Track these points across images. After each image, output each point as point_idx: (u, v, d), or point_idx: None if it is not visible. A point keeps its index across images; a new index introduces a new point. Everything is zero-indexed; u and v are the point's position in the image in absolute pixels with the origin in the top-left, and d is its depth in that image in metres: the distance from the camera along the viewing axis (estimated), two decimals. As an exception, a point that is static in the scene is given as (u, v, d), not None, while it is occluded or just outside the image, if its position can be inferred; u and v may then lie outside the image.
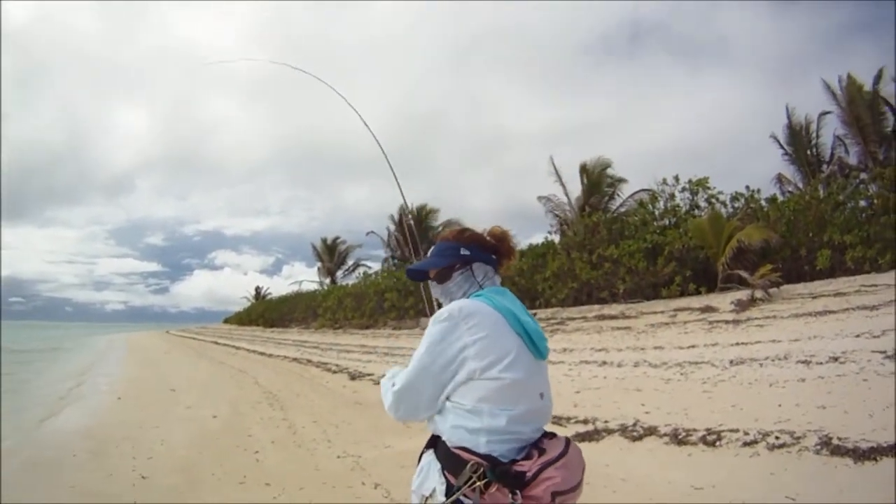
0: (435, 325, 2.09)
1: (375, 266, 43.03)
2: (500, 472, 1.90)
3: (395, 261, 38.92)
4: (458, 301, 2.17)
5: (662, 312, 15.19)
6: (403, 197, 3.54)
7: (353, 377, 14.35)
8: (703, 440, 6.29)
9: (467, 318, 2.04)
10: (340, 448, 7.43)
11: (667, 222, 19.99)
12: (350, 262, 47.87)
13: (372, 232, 42.22)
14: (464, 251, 2.29)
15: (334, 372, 16.08)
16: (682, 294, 16.45)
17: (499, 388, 1.98)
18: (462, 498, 1.91)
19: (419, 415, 2.15)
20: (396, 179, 3.49)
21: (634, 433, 6.92)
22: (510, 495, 1.87)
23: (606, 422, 7.53)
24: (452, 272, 2.29)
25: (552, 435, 2.10)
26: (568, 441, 2.07)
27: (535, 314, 2.44)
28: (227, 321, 72.74)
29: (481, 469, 1.90)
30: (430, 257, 2.38)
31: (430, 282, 2.40)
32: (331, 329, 32.79)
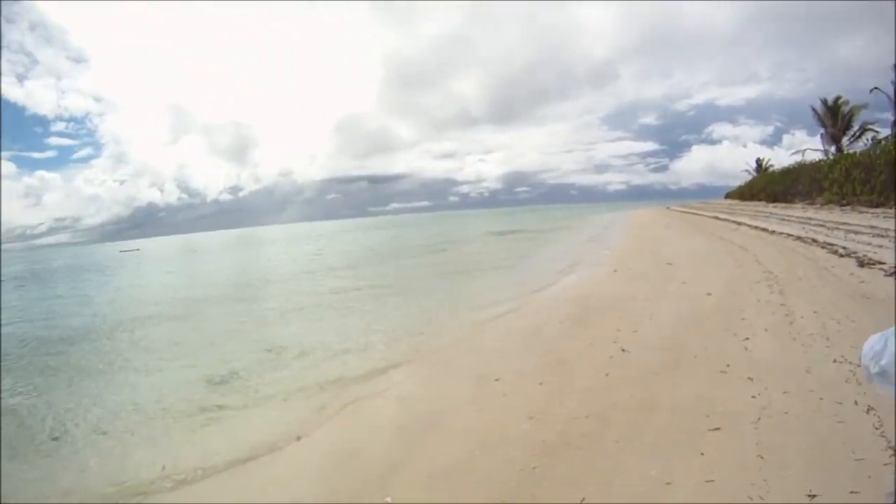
0: None
1: (884, 131, 36.90)
2: None
3: None
4: None
5: None
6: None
7: (861, 264, 12.64)
8: None
9: None
10: (839, 350, 6.53)
11: None
12: (855, 127, 41.35)
13: (876, 88, 35.71)
14: None
15: (841, 256, 14.24)
16: None
17: None
18: None
19: None
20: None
21: None
22: None
23: None
24: None
25: None
26: None
27: None
28: (728, 196, 71.86)
29: None
30: None
31: None
32: (837, 205, 29.59)
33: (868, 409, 4.85)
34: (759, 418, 4.95)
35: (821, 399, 5.22)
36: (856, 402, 5.03)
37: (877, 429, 4.48)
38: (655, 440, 4.79)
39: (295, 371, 8.93)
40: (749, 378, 5.89)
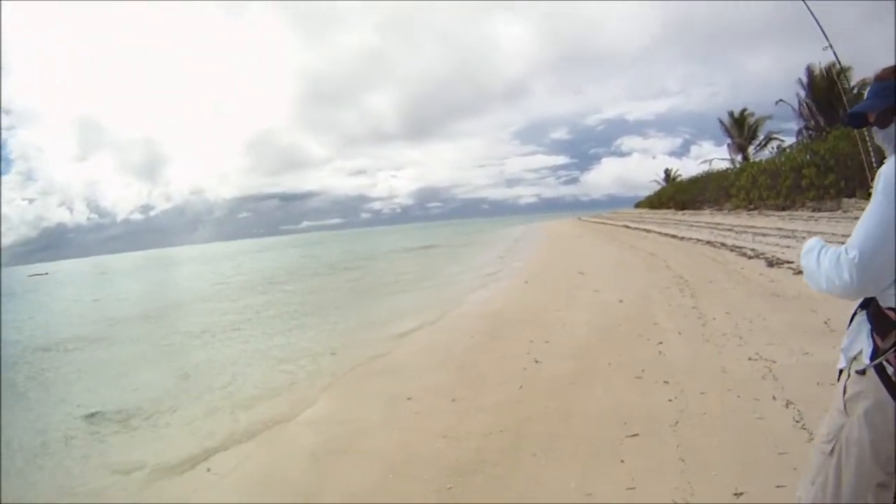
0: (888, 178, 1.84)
1: (789, 140, 38.81)
2: None
3: (810, 132, 34.34)
4: None
5: None
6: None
7: (770, 264, 12.98)
8: None
9: None
10: (753, 348, 6.53)
11: None
12: (761, 137, 43.66)
13: (781, 100, 37.57)
14: None
15: (750, 257, 14.73)
16: None
17: None
18: (885, 363, 1.83)
19: (883, 284, 1.88)
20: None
21: None
22: None
23: None
24: (894, 115, 2.00)
25: None
26: None
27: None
28: (638, 205, 74.31)
29: None
30: (867, 99, 2.13)
31: (872, 129, 2.12)
32: (744, 210, 30.78)
33: (787, 404, 4.78)
34: (677, 421, 4.80)
35: (738, 397, 5.12)
36: (774, 398, 4.97)
37: (797, 422, 4.42)
38: (573, 451, 4.58)
39: (199, 397, 8.41)
40: (665, 382, 5.77)
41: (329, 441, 5.72)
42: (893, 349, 1.81)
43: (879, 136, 2.08)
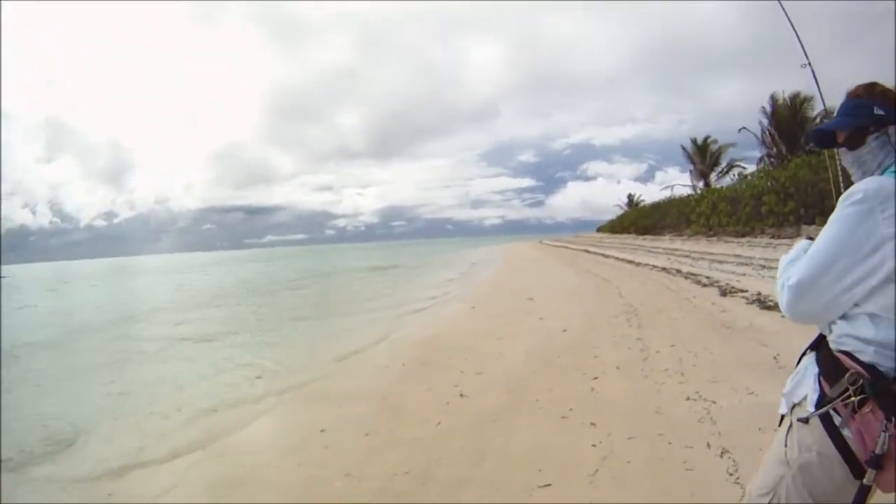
0: (846, 206, 1.71)
1: (751, 167, 39.53)
2: (879, 388, 1.59)
3: (772, 159, 35.01)
4: (874, 179, 1.75)
5: None
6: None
7: (723, 293, 12.73)
8: None
9: (884, 203, 1.64)
10: (693, 386, 6.07)
11: None
12: (723, 164, 44.40)
13: (744, 128, 38.26)
14: (878, 110, 1.84)
15: (704, 285, 14.57)
16: None
17: None
18: (832, 413, 1.68)
19: (821, 316, 1.79)
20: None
21: None
22: (884, 422, 1.56)
23: None
24: (866, 136, 1.86)
25: None
26: None
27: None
28: (599, 229, 75.10)
29: (860, 382, 1.62)
30: (836, 117, 1.95)
31: (839, 150, 1.98)
32: (704, 236, 30.92)
33: (723, 453, 4.31)
34: (596, 470, 4.28)
35: (669, 444, 4.62)
36: (708, 445, 4.50)
37: (731, 474, 3.94)
38: (478, 500, 4.10)
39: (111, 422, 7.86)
40: (592, 423, 5.25)
41: (231, 470, 5.37)
42: (842, 398, 1.65)
43: (848, 159, 1.95)
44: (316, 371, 9.41)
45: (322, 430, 6.05)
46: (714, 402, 5.51)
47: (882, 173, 1.79)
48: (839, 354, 1.71)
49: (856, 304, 1.70)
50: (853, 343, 1.69)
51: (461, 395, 6.61)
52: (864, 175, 1.85)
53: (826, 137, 2.01)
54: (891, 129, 1.83)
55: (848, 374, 1.65)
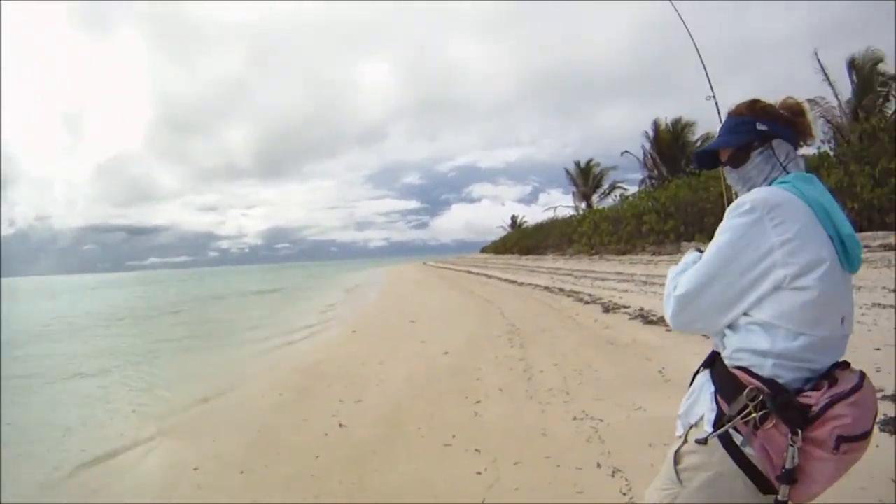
0: (734, 217, 1.69)
1: (632, 189, 41.81)
2: (781, 402, 1.55)
3: (653, 181, 37.08)
4: (760, 189, 1.74)
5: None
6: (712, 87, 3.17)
7: (606, 309, 12.98)
8: None
9: (773, 211, 1.64)
10: (579, 405, 5.99)
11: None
12: (606, 186, 46.67)
13: (627, 151, 40.91)
14: (760, 126, 1.86)
15: (586, 303, 14.84)
16: None
17: (803, 305, 1.59)
18: (732, 432, 1.62)
19: (706, 327, 1.77)
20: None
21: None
22: (789, 436, 1.53)
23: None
24: (750, 152, 1.88)
25: (845, 364, 1.69)
26: (863, 375, 1.66)
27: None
28: (483, 251, 76.64)
29: (760, 397, 1.57)
30: (719, 136, 1.99)
31: (724, 168, 2.01)
32: (586, 255, 31.92)
33: (614, 472, 4.22)
34: (483, 500, 4.05)
35: (558, 466, 4.47)
36: (598, 465, 4.39)
37: (623, 494, 3.84)
38: None
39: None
40: (476, 450, 5.02)
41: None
42: (741, 415, 1.60)
43: (733, 176, 1.97)
44: (189, 405, 8.74)
45: (195, 469, 5.57)
46: (601, 421, 5.45)
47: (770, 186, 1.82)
48: (735, 371, 1.68)
49: (747, 314, 1.68)
50: (750, 358, 1.66)
51: (340, 424, 6.25)
52: (750, 190, 1.84)
53: (708, 158, 2.04)
54: (774, 142, 1.87)
55: (747, 391, 1.60)
